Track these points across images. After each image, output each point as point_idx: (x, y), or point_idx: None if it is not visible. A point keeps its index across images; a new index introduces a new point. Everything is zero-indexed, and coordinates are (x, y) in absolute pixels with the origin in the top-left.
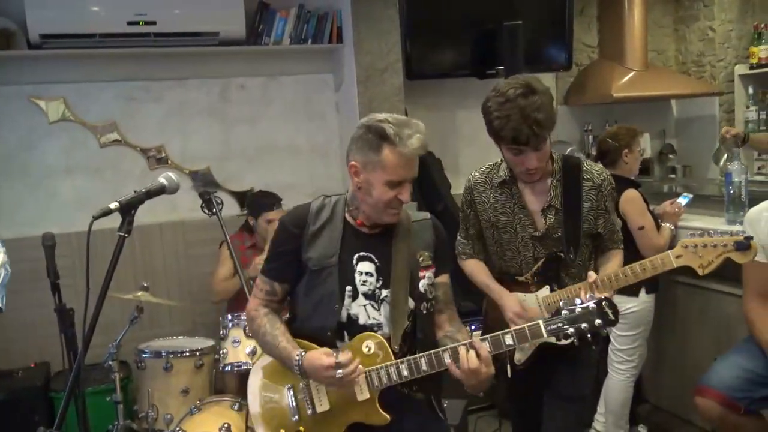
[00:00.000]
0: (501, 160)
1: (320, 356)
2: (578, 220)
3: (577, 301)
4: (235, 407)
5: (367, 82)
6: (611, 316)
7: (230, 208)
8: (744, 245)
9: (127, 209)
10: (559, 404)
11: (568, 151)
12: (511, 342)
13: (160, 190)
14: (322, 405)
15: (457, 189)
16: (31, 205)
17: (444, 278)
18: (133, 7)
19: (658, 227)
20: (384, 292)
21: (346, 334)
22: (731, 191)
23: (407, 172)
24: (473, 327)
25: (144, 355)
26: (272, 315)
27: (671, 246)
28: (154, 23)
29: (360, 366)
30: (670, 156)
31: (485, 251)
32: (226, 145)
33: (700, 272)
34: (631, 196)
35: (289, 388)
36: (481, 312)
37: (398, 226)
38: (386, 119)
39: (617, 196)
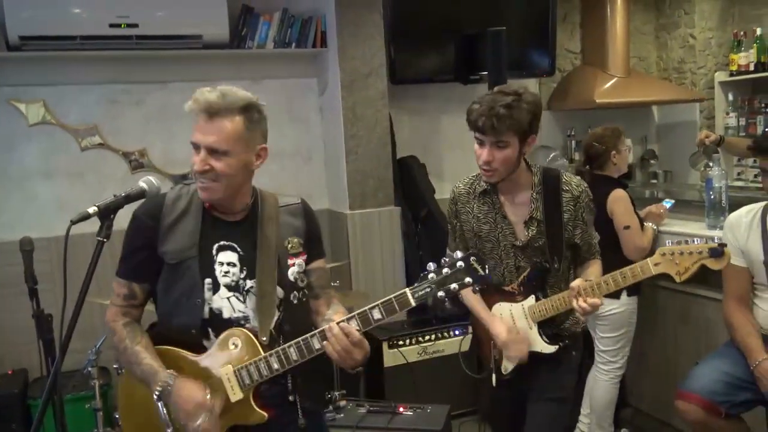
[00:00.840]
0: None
1: (194, 389)
2: (560, 231)
3: (444, 260)
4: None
5: (351, 87)
6: (481, 271)
7: None
8: (718, 252)
9: (106, 213)
10: (540, 405)
11: (551, 156)
12: (379, 316)
13: (140, 195)
14: None
15: (441, 194)
16: (10, 209)
17: (318, 263)
18: (115, 9)
19: (642, 228)
20: (249, 283)
21: (211, 331)
22: (712, 196)
23: (198, 135)
24: (457, 332)
25: None
26: (132, 326)
27: (653, 249)
28: (136, 26)
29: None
30: (652, 161)
31: None
32: None
33: (677, 279)
34: (619, 195)
35: (158, 398)
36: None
37: (263, 211)
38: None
39: (604, 195)
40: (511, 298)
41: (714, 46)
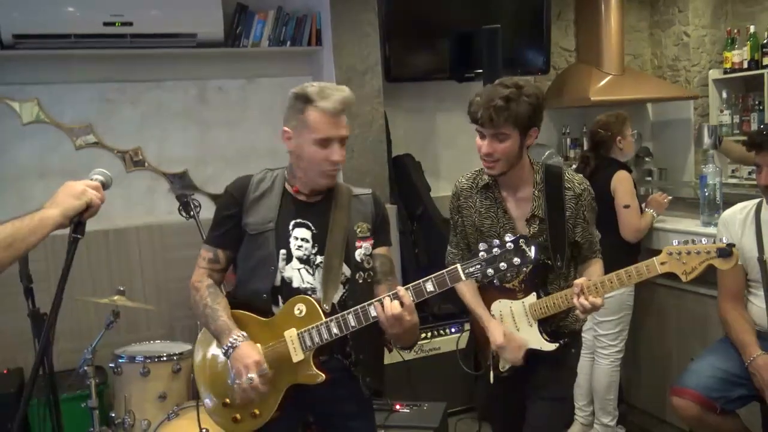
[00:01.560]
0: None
1: (253, 351)
2: (563, 229)
3: (495, 242)
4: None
5: (346, 85)
6: (530, 253)
7: (208, 211)
8: (726, 252)
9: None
10: (541, 404)
11: (546, 154)
12: (432, 288)
13: (102, 185)
14: None
15: (437, 192)
16: (4, 208)
17: (382, 250)
18: (109, 8)
19: (642, 212)
20: (319, 258)
21: (280, 297)
22: (706, 193)
23: (332, 129)
24: (453, 329)
25: (120, 360)
26: (215, 288)
27: (654, 250)
28: (130, 24)
29: (263, 392)
30: (646, 159)
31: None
32: (204, 147)
33: (683, 278)
34: (622, 176)
35: (225, 353)
36: (460, 315)
37: (338, 197)
38: (311, 84)
39: (609, 176)
40: (511, 295)
41: (708, 43)
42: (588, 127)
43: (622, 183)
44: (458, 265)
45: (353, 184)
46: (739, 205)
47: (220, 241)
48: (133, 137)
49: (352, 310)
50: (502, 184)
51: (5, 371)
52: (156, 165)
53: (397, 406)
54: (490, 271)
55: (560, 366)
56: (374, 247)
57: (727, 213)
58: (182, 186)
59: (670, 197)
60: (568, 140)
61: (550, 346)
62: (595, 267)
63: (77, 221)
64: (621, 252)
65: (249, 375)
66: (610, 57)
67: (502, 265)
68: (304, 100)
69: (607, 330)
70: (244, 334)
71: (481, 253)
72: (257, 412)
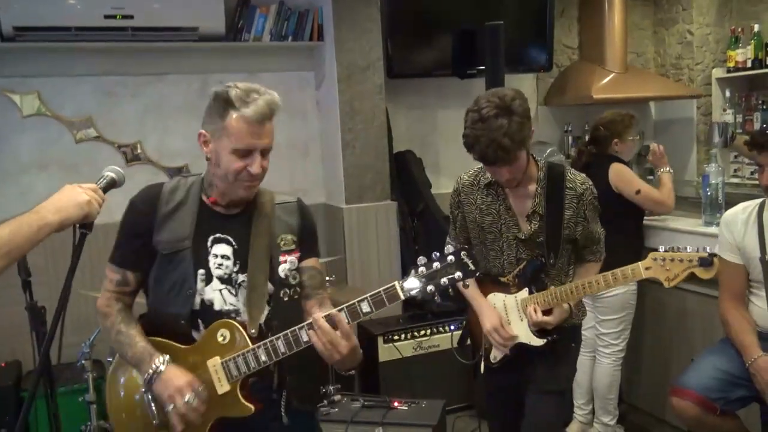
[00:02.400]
0: None
1: (180, 377)
2: (559, 228)
3: (435, 255)
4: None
5: (348, 80)
6: (471, 267)
7: None
8: (707, 261)
9: None
10: (540, 398)
11: (548, 151)
12: (368, 309)
13: (111, 184)
14: None
15: (438, 188)
16: (3, 201)
17: (311, 262)
18: (110, 1)
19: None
20: (241, 277)
21: (200, 322)
22: (708, 193)
23: (254, 140)
24: (452, 327)
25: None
26: (126, 313)
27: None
28: (131, 17)
29: (200, 411)
30: (648, 157)
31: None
32: None
33: (666, 284)
34: (617, 168)
35: (146, 391)
36: (459, 313)
37: (259, 207)
38: (235, 84)
39: (605, 170)
40: (506, 289)
41: (711, 42)
42: (590, 125)
43: (620, 176)
44: (396, 282)
45: (354, 180)
46: (741, 205)
47: (128, 262)
48: (133, 131)
49: (281, 334)
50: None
51: (3, 364)
52: (156, 159)
53: (395, 404)
54: (430, 287)
55: (559, 361)
56: (301, 259)
57: (730, 213)
58: None
59: (660, 145)
60: (570, 138)
61: (538, 342)
62: (590, 272)
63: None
64: (625, 249)
65: (186, 398)
66: (613, 55)
67: (444, 281)
68: (225, 102)
69: (609, 329)
70: (167, 357)
71: (421, 269)
72: None
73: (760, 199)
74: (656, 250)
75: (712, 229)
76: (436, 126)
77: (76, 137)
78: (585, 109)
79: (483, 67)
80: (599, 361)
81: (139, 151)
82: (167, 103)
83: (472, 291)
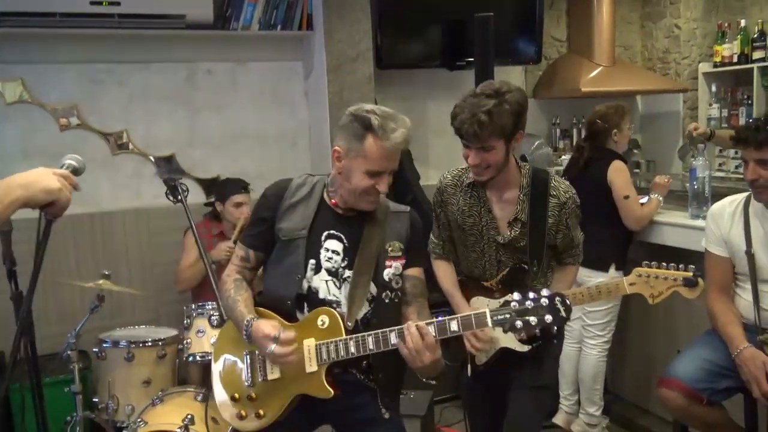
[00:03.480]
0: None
1: (266, 325)
2: (542, 235)
3: (531, 294)
4: (199, 398)
5: (337, 71)
6: (563, 314)
7: (196, 196)
8: (692, 282)
9: None
10: (524, 393)
11: (536, 144)
12: (456, 328)
13: (73, 173)
14: (274, 373)
15: (427, 180)
16: None
17: (414, 271)
18: None
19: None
20: (347, 272)
21: (306, 305)
22: (695, 186)
23: (388, 163)
24: (440, 319)
25: (104, 345)
26: (241, 282)
27: (641, 247)
28: (118, 4)
29: (292, 356)
30: (635, 151)
31: (455, 252)
32: (192, 131)
33: (650, 301)
34: (618, 166)
35: (246, 354)
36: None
37: (375, 212)
38: (374, 110)
39: (605, 166)
40: (489, 294)
41: (698, 36)
42: (578, 118)
43: (618, 174)
44: (487, 311)
45: None
46: (727, 199)
47: (253, 242)
48: (119, 119)
49: (372, 333)
50: (487, 185)
51: None
52: (143, 148)
53: None
54: (518, 323)
55: (542, 358)
56: (406, 267)
57: (716, 206)
58: (169, 170)
59: (670, 178)
60: (558, 131)
61: (524, 348)
62: (568, 277)
63: (44, 211)
64: (614, 244)
65: (273, 335)
66: (601, 48)
67: (533, 319)
68: (366, 127)
69: (595, 320)
70: (255, 316)
71: (514, 303)
72: (262, 412)
73: (746, 193)
74: (647, 243)
75: (699, 222)
76: (425, 117)
77: (61, 125)
78: (573, 102)
79: (472, 59)
80: (585, 352)
81: (125, 139)
82: (154, 92)
83: (455, 295)
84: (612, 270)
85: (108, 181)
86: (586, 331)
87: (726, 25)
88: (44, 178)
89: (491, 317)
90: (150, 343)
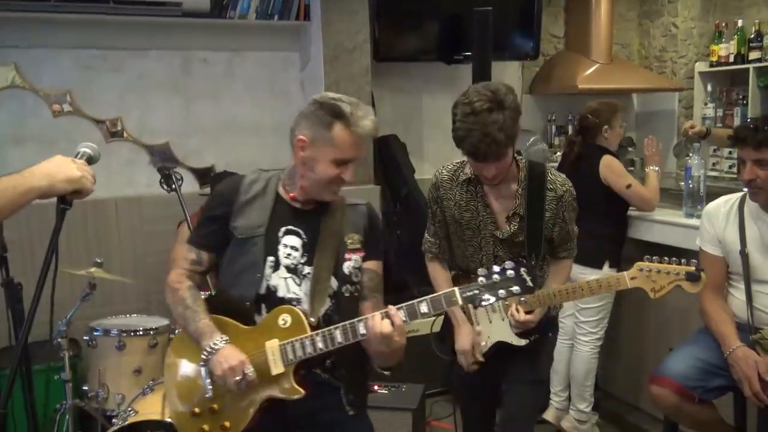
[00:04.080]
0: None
1: (233, 358)
2: (540, 230)
3: (496, 268)
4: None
5: (334, 62)
6: (529, 283)
7: (190, 185)
8: (695, 276)
9: None
10: (519, 388)
11: (531, 140)
12: (426, 310)
13: (89, 160)
14: None
15: (421, 174)
16: None
17: (372, 264)
18: None
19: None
20: (307, 269)
21: (264, 306)
22: (690, 185)
23: (356, 152)
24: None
25: (95, 333)
26: (195, 290)
27: (633, 244)
28: None
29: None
30: (629, 149)
31: (450, 251)
32: (187, 120)
33: (651, 296)
34: (608, 161)
35: (203, 364)
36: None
37: (331, 205)
38: (340, 98)
39: (596, 163)
40: None
41: (695, 36)
42: (574, 114)
43: (611, 168)
44: (456, 289)
45: None
46: (723, 198)
47: (205, 243)
48: (113, 106)
49: (339, 325)
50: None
51: None
52: (137, 136)
53: (375, 387)
54: (487, 296)
55: (538, 352)
56: (365, 260)
57: (711, 205)
58: (163, 158)
59: (659, 143)
60: (554, 127)
61: (521, 342)
62: (564, 271)
63: (66, 198)
64: (609, 241)
65: (237, 378)
66: (598, 45)
67: (501, 292)
68: (334, 115)
69: (588, 317)
70: (227, 338)
71: (480, 279)
72: (228, 425)
73: (741, 193)
74: (638, 240)
75: (693, 221)
76: (421, 111)
77: (54, 111)
78: (569, 99)
79: (469, 53)
80: (577, 349)
81: (119, 127)
82: (148, 79)
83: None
84: (606, 267)
85: (101, 169)
86: (578, 327)
87: (723, 24)
88: (65, 168)
89: (460, 294)
90: (141, 332)
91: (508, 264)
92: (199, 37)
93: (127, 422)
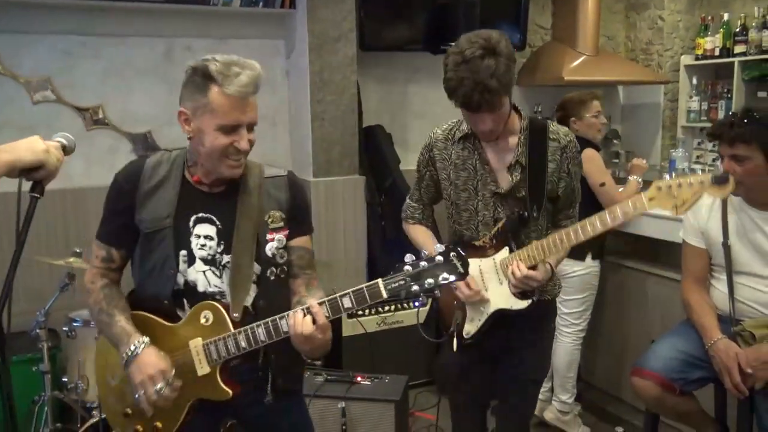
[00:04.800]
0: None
1: (152, 366)
2: (543, 180)
3: (423, 254)
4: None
5: (319, 50)
6: (461, 269)
7: None
8: (722, 179)
9: None
10: (524, 387)
11: None
12: (349, 305)
13: (62, 150)
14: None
15: (407, 164)
16: None
17: (299, 241)
18: None
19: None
20: (226, 258)
21: (186, 302)
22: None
23: (240, 115)
24: (416, 303)
25: (75, 324)
26: (111, 288)
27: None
28: None
29: (171, 399)
30: (615, 141)
31: (433, 219)
32: (170, 108)
33: (674, 213)
34: (590, 154)
35: (125, 362)
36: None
37: (246, 182)
38: (213, 58)
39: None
40: (481, 252)
41: (682, 29)
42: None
43: (591, 163)
44: (380, 280)
45: (322, 153)
46: None
47: (113, 239)
48: (94, 94)
49: (262, 322)
50: None
51: None
52: (118, 124)
53: (359, 379)
54: (415, 287)
55: (542, 347)
56: (290, 237)
57: None
58: (145, 147)
59: (645, 161)
60: (540, 118)
61: (522, 304)
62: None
63: (32, 180)
64: None
65: (157, 386)
66: (585, 37)
67: (429, 281)
68: (205, 77)
69: (571, 309)
70: (146, 340)
71: (407, 267)
72: (159, 425)
73: None
74: (623, 232)
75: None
76: (407, 101)
77: (34, 98)
78: (556, 90)
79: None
80: (560, 340)
81: (100, 115)
82: (130, 66)
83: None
84: (588, 259)
85: (82, 157)
86: (561, 319)
87: (709, 18)
88: (30, 142)
89: (384, 286)
90: None
91: (438, 247)
92: (182, 24)
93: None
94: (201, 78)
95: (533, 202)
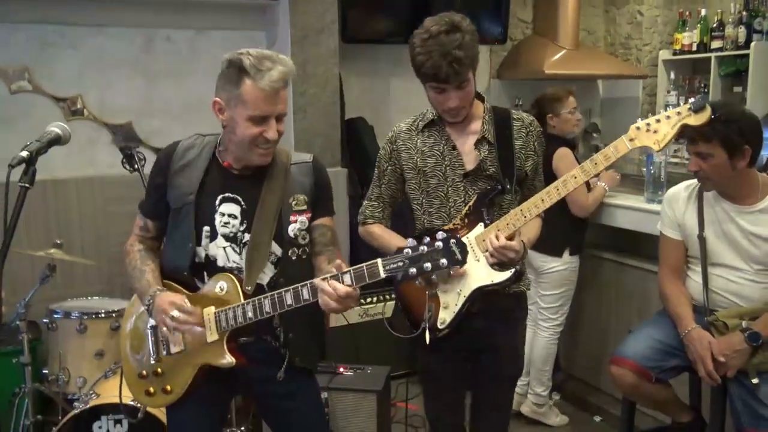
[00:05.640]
0: (427, 109)
1: (171, 295)
2: (511, 153)
3: (425, 239)
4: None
5: (301, 42)
6: (458, 256)
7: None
8: (700, 105)
9: (35, 158)
10: (500, 386)
11: None
12: (349, 282)
13: (56, 140)
14: (176, 346)
15: None
16: None
17: (323, 221)
18: None
19: (589, 188)
20: (247, 236)
21: (206, 274)
22: (652, 171)
23: (270, 107)
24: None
25: (56, 316)
26: (146, 252)
27: (596, 229)
28: None
29: (192, 324)
30: (594, 135)
31: (391, 218)
32: (149, 99)
33: (655, 148)
34: (563, 153)
35: (149, 329)
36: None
37: (274, 167)
38: (247, 52)
39: (550, 154)
40: (452, 235)
41: (660, 24)
42: None
43: (563, 161)
44: (379, 260)
45: (305, 145)
46: (683, 184)
47: (150, 211)
48: (73, 84)
49: (268, 295)
50: (447, 122)
51: None
52: (97, 115)
53: (341, 369)
54: (413, 270)
55: (520, 339)
56: (313, 219)
57: (673, 190)
58: (125, 138)
59: (620, 176)
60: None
61: (503, 275)
62: (534, 225)
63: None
64: (568, 229)
65: (172, 313)
66: (565, 31)
67: (427, 265)
68: (240, 70)
69: (549, 303)
70: (162, 288)
71: (407, 250)
72: (169, 388)
73: None
74: (602, 225)
75: (654, 206)
76: (389, 94)
77: (11, 88)
78: (536, 84)
79: None
80: (537, 334)
81: (79, 105)
82: (109, 57)
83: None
84: (566, 255)
85: (61, 148)
86: (539, 313)
87: (687, 13)
88: None
89: (383, 267)
90: (103, 315)
91: (439, 235)
92: (162, 15)
93: (88, 405)
94: (235, 71)
95: (505, 174)
